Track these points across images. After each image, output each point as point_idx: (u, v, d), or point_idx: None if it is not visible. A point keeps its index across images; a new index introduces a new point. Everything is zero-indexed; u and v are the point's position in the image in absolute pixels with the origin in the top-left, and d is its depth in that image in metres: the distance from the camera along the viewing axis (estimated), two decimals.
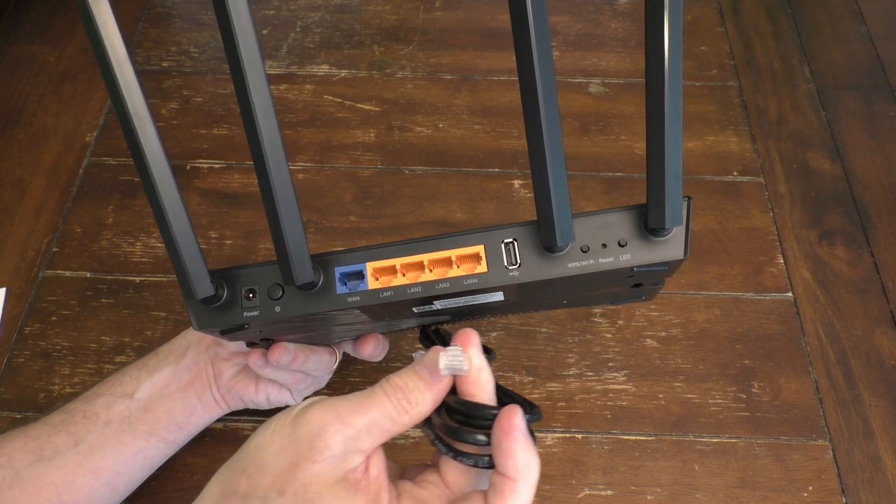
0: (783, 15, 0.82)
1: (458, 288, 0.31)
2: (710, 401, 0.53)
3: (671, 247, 0.30)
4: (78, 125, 0.70)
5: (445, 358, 0.28)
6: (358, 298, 0.31)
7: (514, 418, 0.26)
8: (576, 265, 0.30)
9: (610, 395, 0.53)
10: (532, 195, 0.65)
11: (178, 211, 0.29)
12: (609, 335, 0.56)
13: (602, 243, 0.30)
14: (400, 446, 0.51)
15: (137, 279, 0.59)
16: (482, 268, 0.31)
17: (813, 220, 0.64)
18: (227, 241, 0.62)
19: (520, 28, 0.27)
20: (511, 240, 0.31)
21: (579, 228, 0.30)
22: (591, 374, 0.55)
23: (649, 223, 0.30)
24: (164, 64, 0.75)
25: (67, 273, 0.60)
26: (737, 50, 0.78)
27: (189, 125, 0.70)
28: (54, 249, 0.61)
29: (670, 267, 0.31)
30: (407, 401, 0.28)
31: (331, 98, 0.73)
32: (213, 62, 0.75)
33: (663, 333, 0.57)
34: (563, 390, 0.54)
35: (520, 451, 0.26)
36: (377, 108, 0.72)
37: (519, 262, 0.31)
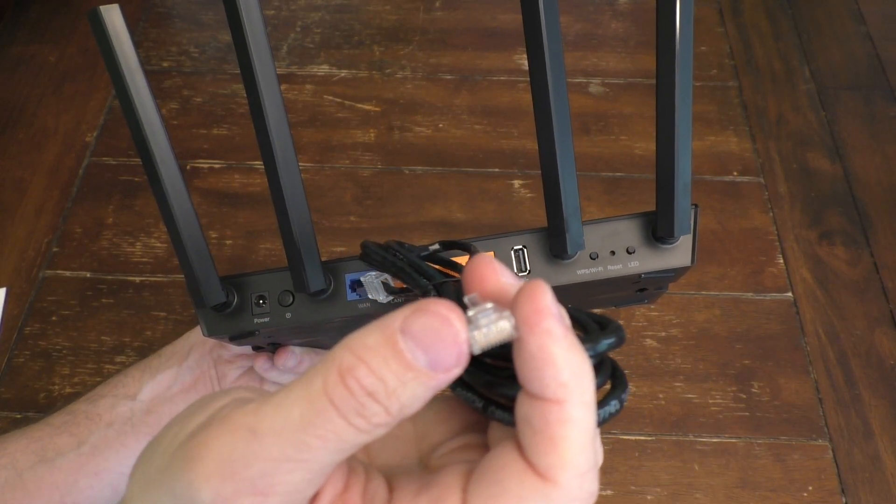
0: (783, 15, 0.82)
1: None
2: (710, 401, 0.53)
3: (679, 254, 0.31)
4: (78, 125, 0.70)
5: (477, 330, 0.15)
6: (368, 305, 0.31)
7: (539, 297, 0.15)
8: (585, 272, 0.31)
9: None
10: (532, 195, 0.65)
11: (189, 220, 0.29)
12: None
13: (611, 251, 0.31)
14: None
15: (137, 279, 0.59)
16: None
17: (813, 220, 0.64)
18: (227, 241, 0.62)
19: (534, 47, 0.27)
20: (520, 247, 0.31)
21: (588, 236, 0.31)
22: None
23: (658, 231, 0.30)
24: (165, 64, 0.75)
25: (67, 273, 0.60)
26: (737, 50, 0.78)
27: (189, 125, 0.70)
28: (54, 249, 0.61)
29: (677, 273, 0.32)
30: (382, 406, 0.15)
31: (331, 98, 0.73)
32: (213, 62, 0.75)
33: (663, 333, 0.57)
34: None
35: (558, 350, 0.15)
36: (377, 108, 0.72)
37: (528, 269, 0.31)
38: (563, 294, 0.34)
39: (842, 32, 0.80)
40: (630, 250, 0.31)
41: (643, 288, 0.35)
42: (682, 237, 0.31)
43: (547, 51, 0.27)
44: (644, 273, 0.31)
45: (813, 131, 0.71)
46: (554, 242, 0.30)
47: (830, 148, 0.69)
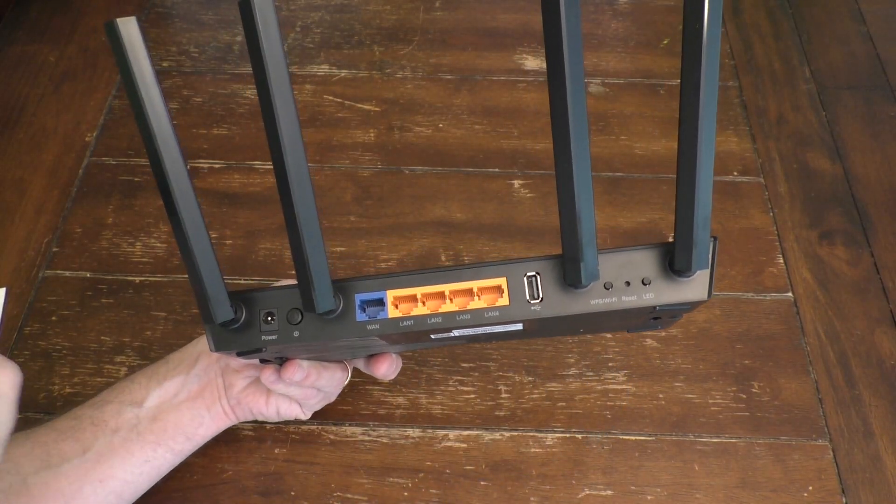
0: (783, 15, 0.82)
1: (479, 320, 0.31)
2: (710, 401, 0.53)
3: (695, 287, 0.30)
4: (78, 125, 0.70)
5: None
6: (377, 326, 0.31)
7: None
8: (598, 302, 0.30)
9: (610, 395, 0.53)
10: (532, 195, 0.65)
11: (200, 235, 0.29)
12: (609, 335, 0.56)
13: (626, 281, 0.30)
14: (399, 446, 0.51)
15: (137, 279, 0.59)
16: (504, 300, 0.31)
17: (813, 220, 0.64)
18: (227, 242, 0.62)
19: (555, 72, 0.26)
20: (534, 273, 0.31)
21: (603, 265, 0.30)
22: (591, 374, 0.55)
23: (675, 264, 0.29)
24: (164, 64, 0.75)
25: (67, 273, 0.60)
26: (737, 50, 0.78)
27: (189, 125, 0.70)
28: (54, 249, 0.61)
29: (692, 305, 0.31)
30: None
31: (331, 98, 0.73)
32: (213, 62, 0.75)
33: (663, 333, 0.57)
34: (563, 390, 0.54)
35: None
36: (377, 108, 0.72)
37: (541, 296, 0.30)
38: (577, 322, 0.33)
39: (842, 32, 0.80)
40: (645, 281, 0.30)
41: (657, 316, 0.35)
42: (699, 271, 0.30)
43: (568, 79, 0.26)
44: (658, 306, 0.30)
45: (813, 131, 0.71)
46: (568, 271, 0.29)
47: (830, 148, 0.69)
